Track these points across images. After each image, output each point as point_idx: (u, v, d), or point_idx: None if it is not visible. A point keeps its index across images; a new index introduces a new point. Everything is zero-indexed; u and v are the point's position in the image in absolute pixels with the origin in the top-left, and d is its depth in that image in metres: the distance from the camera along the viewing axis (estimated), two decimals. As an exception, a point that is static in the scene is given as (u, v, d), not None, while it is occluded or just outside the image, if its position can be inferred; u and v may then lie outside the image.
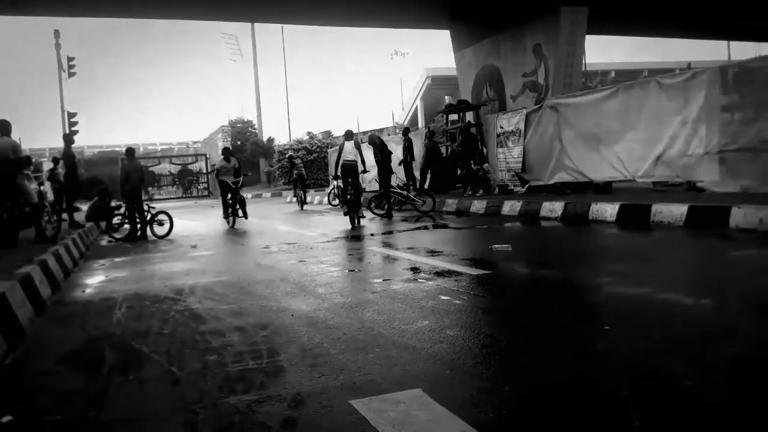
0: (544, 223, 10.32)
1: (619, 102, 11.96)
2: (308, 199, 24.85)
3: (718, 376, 2.66)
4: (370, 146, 14.63)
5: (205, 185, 39.21)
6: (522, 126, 14.93)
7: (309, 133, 37.44)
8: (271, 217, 17.73)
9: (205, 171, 39.09)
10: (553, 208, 10.88)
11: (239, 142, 40.65)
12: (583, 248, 7.60)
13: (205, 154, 40.67)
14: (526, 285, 5.42)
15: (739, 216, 7.60)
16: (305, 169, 22.97)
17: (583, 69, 17.54)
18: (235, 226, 13.35)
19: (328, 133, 39.20)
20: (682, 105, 10.58)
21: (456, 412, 2.44)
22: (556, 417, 2.34)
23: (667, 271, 5.49)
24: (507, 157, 15.65)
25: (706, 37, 27.57)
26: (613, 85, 14.41)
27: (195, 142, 54.06)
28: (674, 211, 8.57)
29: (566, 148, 13.32)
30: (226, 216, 13.99)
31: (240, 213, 13.95)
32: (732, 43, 38.43)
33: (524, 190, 14.74)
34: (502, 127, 15.82)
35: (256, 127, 43.49)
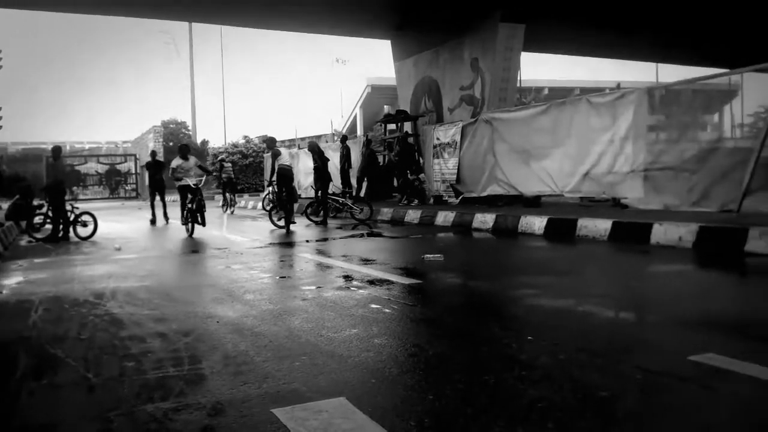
0: (476, 234, 10.50)
1: (550, 118, 12.33)
2: (242, 203, 24.45)
3: (631, 386, 2.76)
4: (309, 153, 14.56)
5: (134, 186, 38.04)
6: (458, 138, 15.18)
7: (245, 137, 36.90)
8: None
9: (134, 171, 37.94)
10: (485, 219, 11.08)
11: (171, 144, 39.64)
12: (512, 260, 7.77)
13: (134, 155, 39.48)
14: (455, 295, 5.48)
15: (660, 233, 7.94)
16: (239, 174, 22.62)
17: (518, 85, 17.98)
18: (193, 235, 11.51)
19: (265, 137, 38.74)
20: (611, 123, 11.00)
21: (378, 421, 2.43)
22: (478, 426, 2.36)
23: (589, 285, 5.67)
24: (442, 169, 15.86)
25: (635, 59, 28.82)
26: (546, 101, 14.86)
27: (125, 142, 52.38)
28: (599, 226, 8.89)
29: (499, 162, 13.63)
30: (184, 222, 11.90)
31: (199, 219, 11.88)
32: (661, 65, 40.28)
33: (458, 201, 14.98)
34: (438, 139, 16.04)
35: (189, 128, 42.57)
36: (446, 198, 15.70)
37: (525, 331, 3.82)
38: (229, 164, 23.19)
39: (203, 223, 11.78)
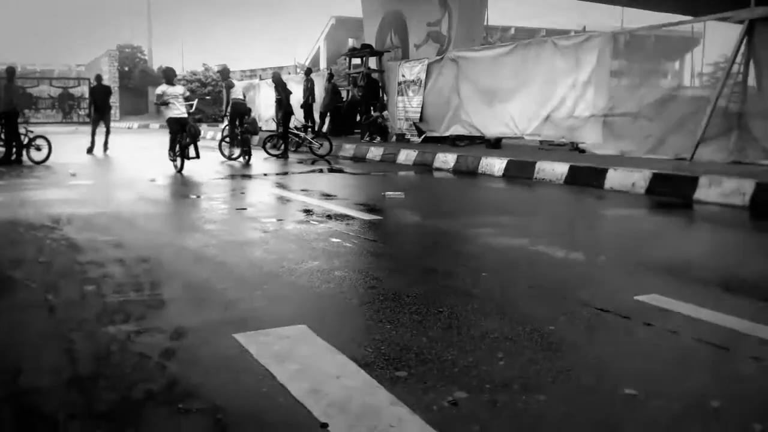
0: (437, 174, 10.60)
1: (516, 59, 12.32)
2: (202, 134, 23.99)
3: (577, 321, 2.92)
4: (271, 84, 14.30)
5: (87, 111, 36.78)
6: (423, 76, 15.07)
7: (204, 65, 35.81)
8: (159, 148, 17.01)
9: (87, 96, 36.61)
10: (447, 159, 11.17)
11: (127, 69, 38.25)
12: (471, 200, 7.91)
13: (88, 79, 37.98)
14: (414, 232, 5.60)
15: (615, 178, 8.16)
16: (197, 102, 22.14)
17: (485, 24, 17.80)
18: (183, 171, 10.15)
19: (224, 66, 37.68)
20: (574, 67, 11.07)
21: (338, 347, 2.54)
22: (432, 353, 2.49)
23: (543, 226, 5.85)
24: (406, 106, 15.79)
25: (603, 2, 28.67)
26: (512, 42, 14.79)
27: (78, 65, 50.26)
28: (556, 170, 9.07)
29: (463, 102, 13.63)
30: (173, 158, 10.49)
31: (192, 152, 10.63)
32: (626, 9, 40.14)
33: (420, 140, 15.00)
34: (403, 76, 15.90)
35: (146, 53, 41.02)
36: (409, 136, 15.70)
37: (480, 268, 3.95)
38: (188, 92, 22.65)
39: (197, 155, 10.72)
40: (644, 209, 6.83)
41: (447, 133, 14.15)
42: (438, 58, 15.02)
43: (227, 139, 13.13)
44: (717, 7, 10.62)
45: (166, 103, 10.46)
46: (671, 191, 7.37)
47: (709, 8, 11.59)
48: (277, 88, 13.75)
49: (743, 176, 6.91)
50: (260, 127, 17.61)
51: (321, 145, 13.81)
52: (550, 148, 12.57)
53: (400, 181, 9.63)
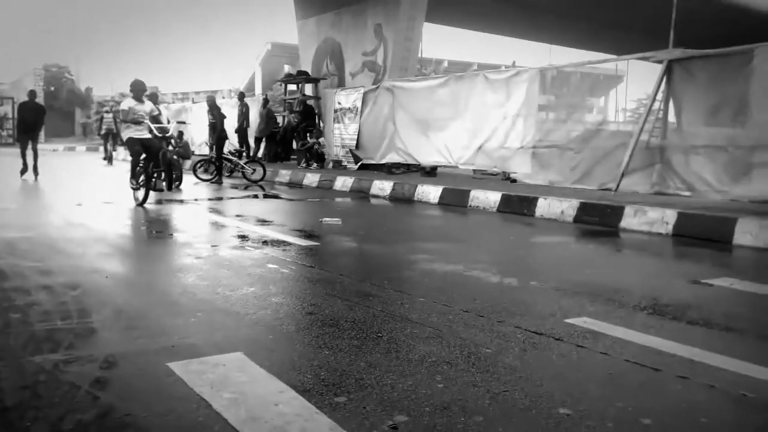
0: (374, 201, 10.66)
1: (449, 91, 12.62)
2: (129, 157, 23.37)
3: (512, 344, 2.98)
4: (205, 107, 14.13)
5: (10, 131, 35.21)
6: (359, 104, 15.21)
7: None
8: (85, 172, 16.43)
9: (11, 116, 35.06)
10: (383, 186, 11.27)
11: (53, 88, 36.93)
12: (407, 226, 7.99)
13: (12, 98, 36.45)
14: (352, 258, 5.60)
15: (545, 206, 8.43)
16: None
17: (420, 55, 18.19)
18: (145, 204, 8.71)
19: (155, 89, 36.96)
20: (505, 100, 11.42)
21: (275, 374, 2.50)
22: (372, 378, 2.48)
23: (478, 252, 5.96)
24: (342, 133, 15.87)
25: (532, 39, 29.85)
26: (446, 74, 15.17)
27: (1, 84, 48.18)
28: (489, 198, 9.29)
29: (398, 130, 13.81)
30: (134, 186, 8.94)
31: (163, 181, 9.03)
32: (555, 47, 41.96)
33: (357, 167, 15.08)
34: (339, 103, 16.00)
35: (73, 74, 39.78)
36: (345, 163, 15.76)
37: (417, 293, 3.99)
38: (110, 115, 22.15)
39: (175, 184, 9.41)
40: (573, 236, 7.07)
41: (383, 161, 14.29)
42: (374, 87, 15.22)
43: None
44: (639, 47, 11.23)
45: (137, 122, 8.91)
46: (598, 220, 7.66)
47: (632, 48, 12.25)
48: (211, 112, 13.57)
49: (666, 206, 7.26)
50: (193, 152, 17.30)
51: (254, 170, 13.65)
52: (483, 177, 12.86)
53: (337, 207, 9.63)
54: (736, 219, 6.38)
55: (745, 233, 6.22)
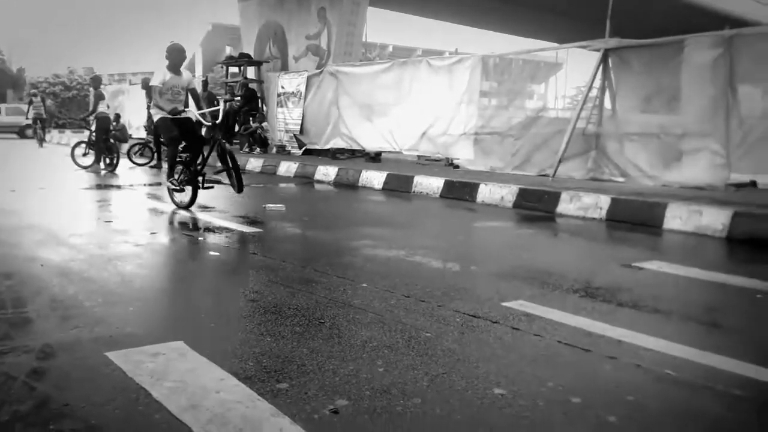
0: (318, 186, 10.63)
1: (393, 77, 12.65)
2: (65, 140, 22.50)
3: (451, 328, 3.06)
4: (143, 90, 13.75)
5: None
6: (303, 88, 15.09)
7: (69, 67, 33.68)
8: (16, 156, 15.78)
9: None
10: (328, 172, 11.24)
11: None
12: (351, 212, 8.02)
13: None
14: (295, 244, 5.59)
15: (486, 192, 8.59)
16: (60, 107, 20.94)
17: (364, 40, 18.13)
18: (192, 206, 6.96)
19: (90, 70, 35.66)
20: (448, 87, 11.55)
21: (216, 362, 2.50)
22: (314, 364, 2.51)
23: (420, 237, 6.05)
24: (286, 118, 15.72)
25: (475, 26, 30.16)
26: (390, 59, 15.20)
27: None
28: (432, 184, 9.40)
29: (343, 116, 13.79)
30: (175, 186, 6.93)
31: (227, 182, 7.10)
32: (498, 34, 42.43)
33: (301, 152, 14.99)
34: (283, 87, 15.82)
35: (3, 53, 37.95)
36: (289, 148, 15.64)
37: (360, 279, 4.03)
38: (39, 99, 21.32)
39: (240, 186, 6.90)
40: (512, 222, 7.24)
41: (327, 146, 14.25)
42: (317, 71, 15.11)
43: (84, 147, 12.50)
44: (579, 36, 11.51)
45: (173, 101, 6.96)
46: (536, 205, 7.87)
47: (572, 37, 12.54)
48: (148, 94, 13.24)
49: (600, 192, 7.52)
50: (130, 135, 16.82)
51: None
52: (427, 163, 12.99)
53: (281, 192, 9.57)
54: (667, 204, 6.66)
55: (675, 218, 6.51)
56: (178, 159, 6.98)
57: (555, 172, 9.65)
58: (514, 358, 2.69)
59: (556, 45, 18.39)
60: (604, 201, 7.18)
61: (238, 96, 16.90)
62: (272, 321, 3.08)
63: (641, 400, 2.29)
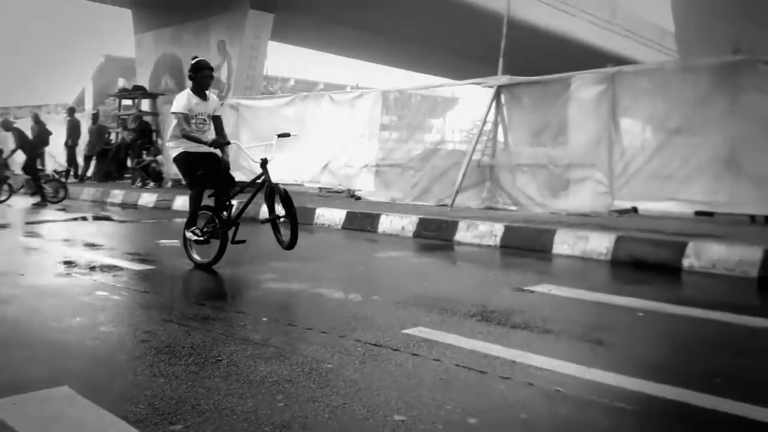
0: (216, 220, 10.38)
1: (295, 110, 12.69)
2: None
3: (352, 358, 3.06)
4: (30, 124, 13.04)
5: None
6: (200, 121, 14.79)
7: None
8: None
9: None
10: (226, 205, 11.00)
11: None
12: (251, 246, 7.86)
13: None
14: (191, 281, 5.42)
15: (386, 222, 8.71)
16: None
17: (266, 73, 18.11)
18: (216, 263, 5.67)
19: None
20: (350, 120, 11.71)
21: (105, 407, 2.37)
22: (210, 403, 2.43)
23: (322, 269, 6.03)
24: (183, 152, 15.33)
25: (374, 61, 30.79)
26: (292, 93, 15.23)
27: None
28: (334, 215, 9.43)
29: (243, 149, 13.60)
30: (199, 235, 5.70)
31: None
32: (398, 70, 43.48)
33: (198, 186, 14.63)
34: (179, 120, 15.45)
35: None
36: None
37: (260, 313, 3.96)
38: None
39: (294, 241, 5.64)
40: (412, 251, 7.37)
41: (227, 180, 14.00)
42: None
43: None
44: (473, 73, 12.02)
45: (192, 137, 5.53)
46: (435, 234, 8.06)
47: (467, 74, 13.08)
48: (14, 135, 12.52)
49: (494, 220, 7.81)
50: (13, 171, 15.80)
51: (56, 192, 12.63)
52: (329, 195, 13.03)
53: (175, 228, 9.24)
54: (555, 230, 7.02)
55: (563, 243, 6.86)
56: (201, 204, 5.74)
57: (453, 201, 9.95)
58: (414, 383, 2.72)
59: (452, 81, 19.11)
60: (499, 229, 7.46)
61: (131, 129, 16.35)
62: (165, 361, 2.96)
63: (533, 416, 2.38)
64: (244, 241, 5.75)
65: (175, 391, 2.57)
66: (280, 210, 5.71)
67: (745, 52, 7.94)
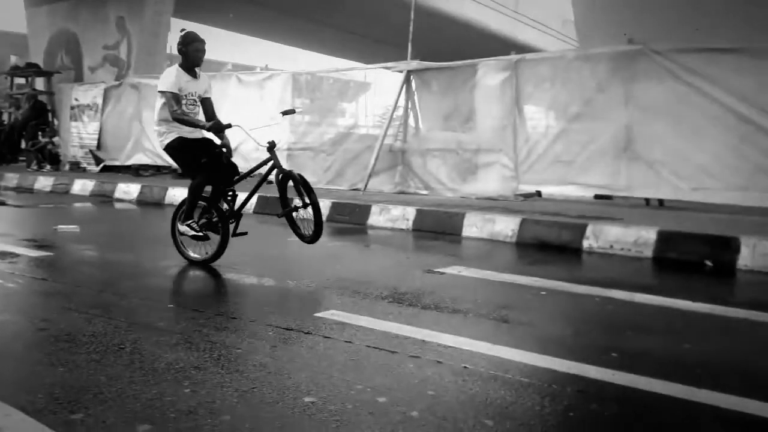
0: (119, 205, 9.97)
1: (201, 91, 12.29)
2: None
3: (263, 342, 3.03)
4: None
5: None
6: (100, 101, 14.09)
7: None
8: None
9: None
10: (129, 189, 10.58)
11: None
12: (155, 231, 7.60)
13: None
14: (92, 267, 5.19)
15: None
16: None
17: (169, 51, 17.42)
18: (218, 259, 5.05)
19: None
20: (259, 102, 11.48)
21: (1, 398, 2.23)
22: (113, 391, 2.35)
23: (233, 254, 5.89)
24: (81, 132, 14.55)
25: (286, 43, 30.31)
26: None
27: None
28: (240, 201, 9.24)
29: (146, 130, 13.09)
30: (197, 230, 4.96)
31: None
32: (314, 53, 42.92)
33: (99, 169, 13.96)
34: (77, 100, 14.64)
35: None
36: (85, 165, 14.47)
37: (166, 300, 3.85)
38: None
39: (318, 233, 5.08)
40: (325, 235, 7.33)
41: (129, 162, 13.41)
42: (117, 83, 14.22)
43: None
44: (385, 58, 12.07)
45: (183, 119, 4.90)
46: (348, 218, 8.07)
47: (380, 59, 13.12)
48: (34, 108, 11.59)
49: (406, 204, 7.91)
50: None
51: None
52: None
53: (75, 213, 8.81)
54: (465, 214, 7.19)
55: (472, 226, 7.04)
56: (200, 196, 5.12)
57: (366, 186, 10.00)
58: (325, 366, 2.73)
59: (363, 65, 19.12)
60: (410, 212, 7.56)
61: (24, 108, 15.36)
62: (65, 350, 2.83)
63: (440, 393, 2.44)
64: (246, 233, 5.17)
65: (75, 380, 2.47)
66: (296, 201, 5.19)
67: (639, 42, 8.38)
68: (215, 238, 4.96)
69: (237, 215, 5.18)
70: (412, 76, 10.48)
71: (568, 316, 3.99)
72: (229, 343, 3.00)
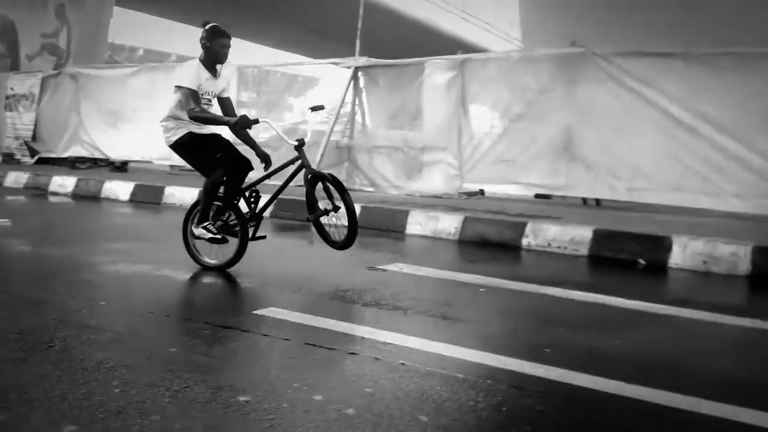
0: (53, 198, 9.62)
1: (143, 82, 11.98)
2: None
3: (199, 340, 2.97)
4: None
5: None
6: (37, 91, 13.58)
7: None
8: None
9: None
10: (65, 183, 10.22)
11: None
12: (91, 226, 7.40)
13: None
14: (23, 262, 4.99)
15: (242, 203, 8.49)
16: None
17: (111, 41, 16.93)
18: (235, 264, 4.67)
19: None
20: (203, 95, 11.26)
21: None
22: (38, 391, 2.26)
23: (169, 251, 5.76)
24: (16, 123, 14.00)
25: (235, 36, 29.80)
26: (140, 63, 14.37)
27: None
28: (186, 195, 9.04)
29: (84, 122, 12.69)
30: (214, 232, 4.57)
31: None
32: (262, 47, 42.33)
33: (33, 161, 13.45)
34: (12, 89, 14.08)
35: None
36: (19, 156, 13.91)
37: (98, 297, 3.73)
38: None
39: (352, 238, 4.76)
40: (268, 231, 7.25)
41: (66, 154, 12.97)
42: (55, 72, 13.73)
43: None
44: (333, 54, 12.01)
45: (199, 116, 4.52)
46: (293, 215, 8.00)
47: (329, 54, 13.05)
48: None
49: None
50: None
51: None
52: (182, 173, 12.47)
53: (7, 206, 8.45)
54: (409, 211, 7.24)
55: (416, 223, 7.09)
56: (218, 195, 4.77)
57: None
58: (262, 364, 2.70)
59: (311, 60, 19.00)
60: (356, 209, 7.54)
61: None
62: (-8, 351, 2.71)
63: (377, 390, 2.45)
64: (264, 237, 4.87)
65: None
66: (321, 204, 4.88)
67: (581, 45, 8.60)
68: (231, 242, 4.64)
69: (258, 218, 4.84)
70: (359, 73, 10.47)
71: (506, 312, 4.06)
72: (163, 342, 2.93)
